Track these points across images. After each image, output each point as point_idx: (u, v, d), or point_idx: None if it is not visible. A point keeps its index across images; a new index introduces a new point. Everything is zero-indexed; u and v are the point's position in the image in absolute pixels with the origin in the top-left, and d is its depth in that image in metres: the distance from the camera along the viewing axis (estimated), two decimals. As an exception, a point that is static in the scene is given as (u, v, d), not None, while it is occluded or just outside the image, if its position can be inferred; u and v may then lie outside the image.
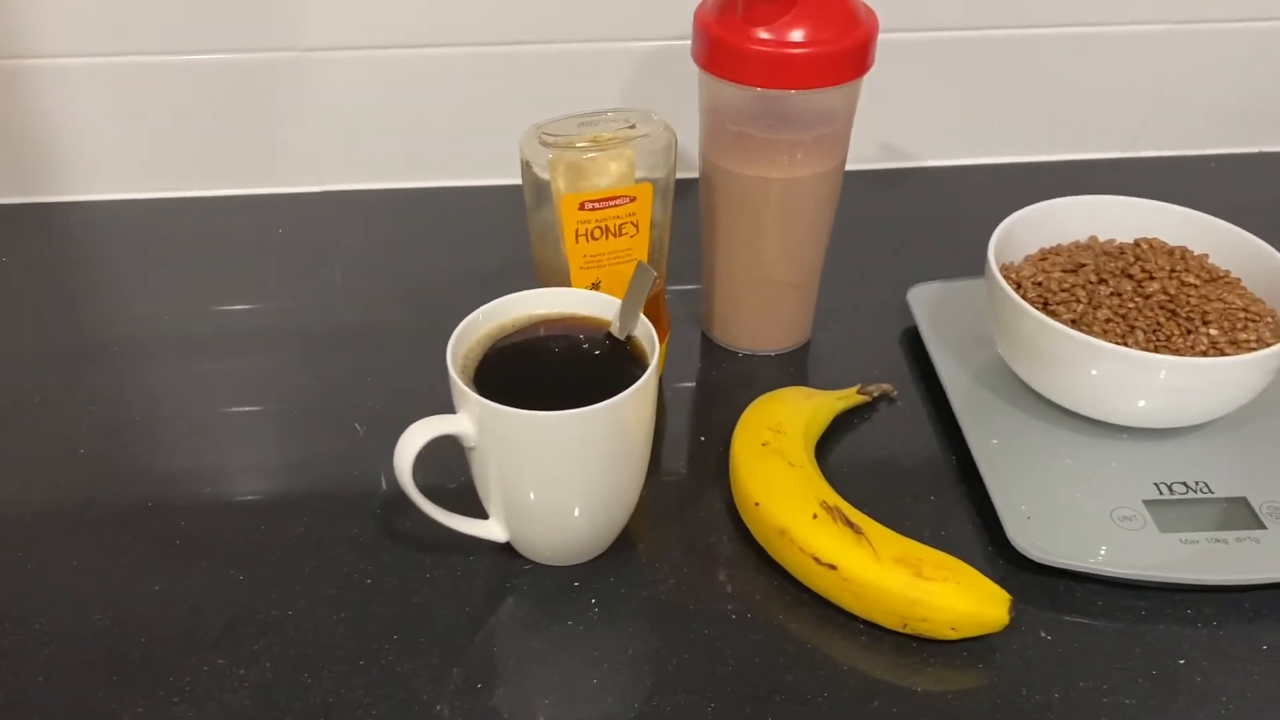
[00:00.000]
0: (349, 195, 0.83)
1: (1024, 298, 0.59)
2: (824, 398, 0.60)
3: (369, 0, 0.75)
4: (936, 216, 0.81)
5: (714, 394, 0.65)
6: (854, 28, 0.57)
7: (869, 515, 0.52)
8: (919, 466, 0.59)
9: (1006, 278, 0.61)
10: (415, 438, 0.47)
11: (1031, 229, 0.63)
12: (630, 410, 0.48)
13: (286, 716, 0.47)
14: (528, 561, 0.54)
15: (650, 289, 0.51)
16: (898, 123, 0.85)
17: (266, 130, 0.80)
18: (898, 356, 0.67)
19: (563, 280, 0.58)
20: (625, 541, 0.55)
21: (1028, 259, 0.63)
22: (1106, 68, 0.83)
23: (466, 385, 0.48)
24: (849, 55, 0.56)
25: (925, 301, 0.68)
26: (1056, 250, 0.63)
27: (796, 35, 0.56)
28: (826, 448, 0.60)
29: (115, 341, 0.68)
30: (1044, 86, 0.84)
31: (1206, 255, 0.61)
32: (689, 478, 0.59)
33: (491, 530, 0.52)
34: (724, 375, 0.67)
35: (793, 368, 0.67)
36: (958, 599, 0.48)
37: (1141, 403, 0.55)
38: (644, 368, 0.49)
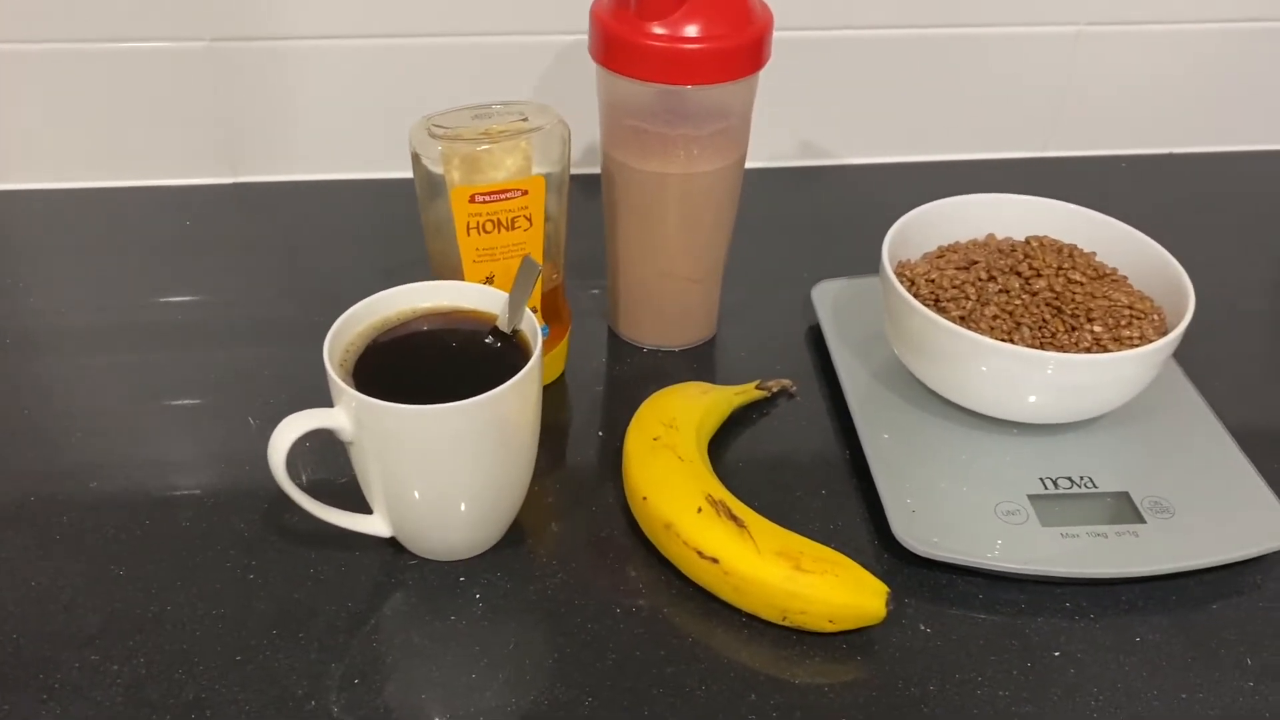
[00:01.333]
0: (256, 187, 0.82)
1: (916, 294, 0.59)
2: (720, 393, 0.60)
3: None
4: (848, 214, 0.82)
5: (616, 389, 0.65)
6: (748, 24, 0.57)
7: (760, 509, 0.53)
8: (813, 461, 0.60)
9: (902, 275, 0.61)
10: (288, 432, 0.47)
11: (930, 227, 0.64)
12: (511, 404, 0.48)
13: (157, 713, 0.46)
14: (414, 557, 0.53)
15: (536, 282, 0.50)
16: (812, 120, 0.86)
17: (174, 121, 0.79)
18: (802, 353, 0.68)
19: (459, 274, 0.57)
20: (515, 536, 0.55)
21: (925, 256, 0.64)
22: (1019, 68, 0.84)
23: (344, 379, 0.48)
24: (743, 51, 0.57)
25: (829, 298, 0.69)
26: (954, 248, 0.64)
27: (691, 30, 0.56)
28: (724, 442, 0.61)
29: (6, 335, 0.67)
30: (959, 86, 0.85)
31: (1095, 253, 0.62)
32: (584, 473, 0.59)
33: (375, 525, 0.52)
34: (628, 370, 0.67)
35: (696, 363, 0.67)
36: (835, 591, 0.49)
37: (1029, 398, 0.56)
38: (528, 361, 0.49)
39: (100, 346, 0.66)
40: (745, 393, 0.62)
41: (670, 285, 0.65)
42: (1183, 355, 0.63)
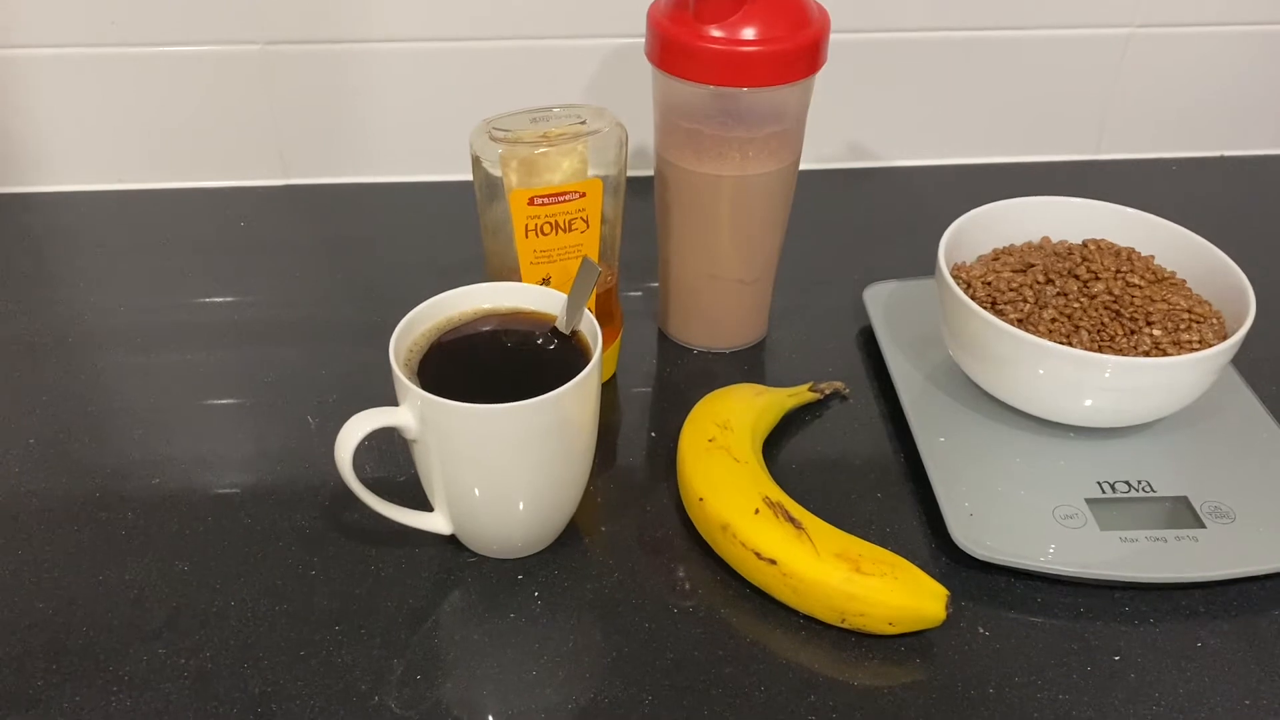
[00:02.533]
0: (312, 189, 0.83)
1: (973, 297, 0.59)
2: (774, 395, 0.60)
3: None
4: (899, 216, 0.82)
5: (668, 391, 0.66)
6: (804, 27, 0.57)
7: (815, 512, 0.53)
8: (868, 463, 0.60)
9: (957, 277, 0.61)
10: (356, 430, 0.47)
11: (984, 229, 0.64)
12: (571, 404, 0.48)
13: (224, 706, 0.47)
14: (473, 554, 0.54)
15: (595, 284, 0.51)
16: (864, 122, 0.86)
17: (229, 124, 0.80)
18: (853, 355, 0.68)
19: (514, 275, 0.58)
20: (572, 535, 0.55)
21: (980, 259, 0.63)
22: (1070, 70, 0.84)
23: (409, 379, 0.48)
24: (799, 54, 0.57)
25: (881, 300, 0.69)
26: (1009, 251, 0.63)
27: (748, 33, 0.56)
28: (777, 444, 0.61)
29: (69, 333, 0.68)
30: (1009, 88, 0.85)
31: (1153, 256, 0.61)
32: (638, 473, 0.59)
33: (436, 523, 0.52)
34: (678, 372, 0.67)
35: (747, 365, 0.67)
36: (895, 594, 0.49)
37: (1086, 402, 0.55)
38: (587, 362, 0.49)
39: (159, 345, 0.68)
40: (798, 395, 0.62)
41: (722, 287, 0.65)
42: (1239, 359, 0.63)
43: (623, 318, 0.65)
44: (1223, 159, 0.89)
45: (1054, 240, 0.64)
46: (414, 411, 0.47)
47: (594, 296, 0.60)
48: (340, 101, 0.80)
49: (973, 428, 0.59)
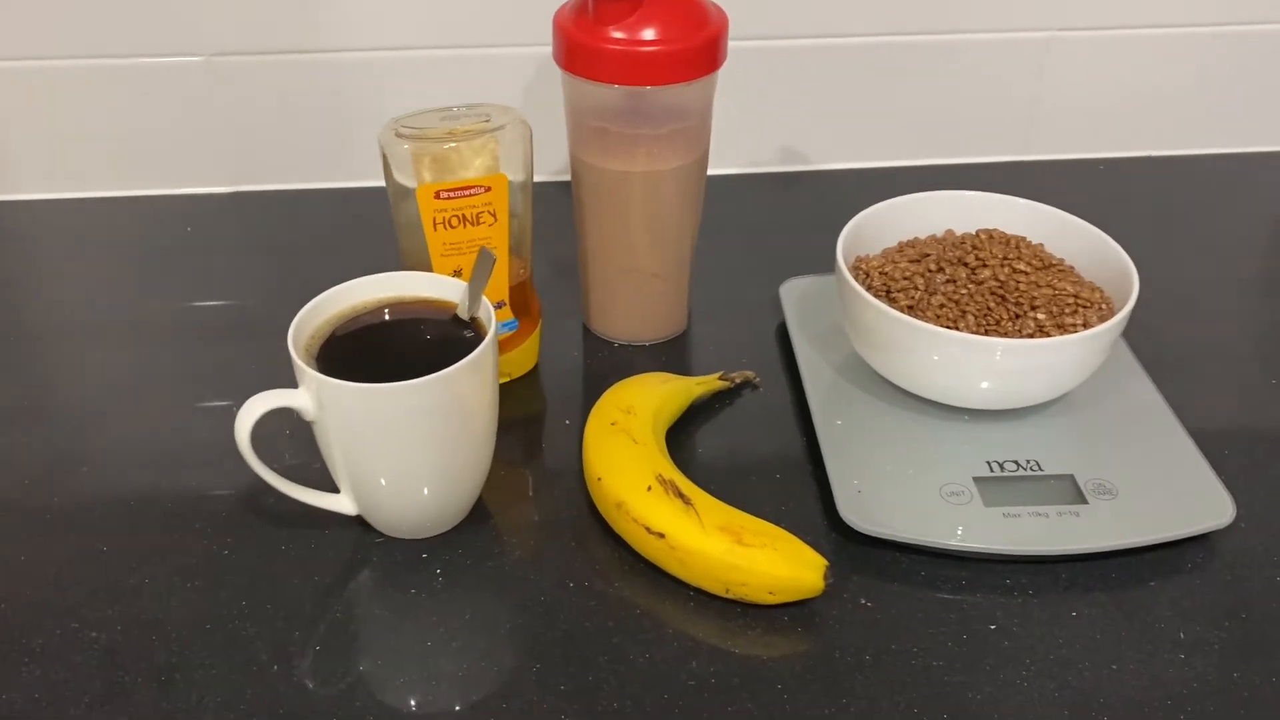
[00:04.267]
0: (258, 196, 0.86)
1: (869, 286, 0.62)
2: (681, 382, 0.63)
3: (278, 5, 0.78)
4: (823, 216, 0.82)
5: (587, 382, 0.68)
6: (702, 27, 0.59)
7: (715, 491, 0.55)
8: (771, 448, 0.62)
9: (859, 269, 0.63)
10: (253, 410, 0.50)
11: (889, 223, 0.66)
12: (464, 384, 0.50)
13: (130, 676, 0.49)
14: (381, 535, 0.56)
15: (490, 271, 0.53)
16: (795, 127, 0.88)
17: (177, 133, 0.83)
18: (770, 347, 0.70)
19: (428, 269, 0.60)
20: (480, 516, 0.57)
21: (885, 251, 0.66)
22: (996, 73, 0.86)
23: (307, 363, 0.50)
24: (697, 53, 0.59)
25: (795, 295, 0.71)
26: (913, 243, 0.66)
27: (648, 34, 0.58)
28: (686, 430, 0.63)
29: (10, 331, 0.71)
30: (938, 92, 0.87)
31: (1043, 245, 0.64)
32: (550, 458, 0.62)
33: (341, 504, 0.54)
34: (599, 364, 0.69)
35: (665, 357, 0.69)
36: (774, 565, 0.51)
37: (975, 384, 0.58)
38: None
39: (94, 342, 0.70)
40: (706, 383, 0.64)
41: (637, 281, 0.67)
42: (1142, 347, 0.65)
43: (540, 309, 0.67)
44: (1149, 159, 0.91)
45: (957, 233, 0.66)
46: (310, 393, 0.50)
47: (507, 288, 0.62)
48: (281, 110, 0.82)
49: (871, 412, 0.61)
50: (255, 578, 0.54)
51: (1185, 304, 0.73)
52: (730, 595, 0.52)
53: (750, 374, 0.66)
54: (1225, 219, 0.84)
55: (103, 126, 0.82)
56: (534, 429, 0.64)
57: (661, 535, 0.52)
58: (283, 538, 0.56)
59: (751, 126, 0.87)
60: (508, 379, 0.66)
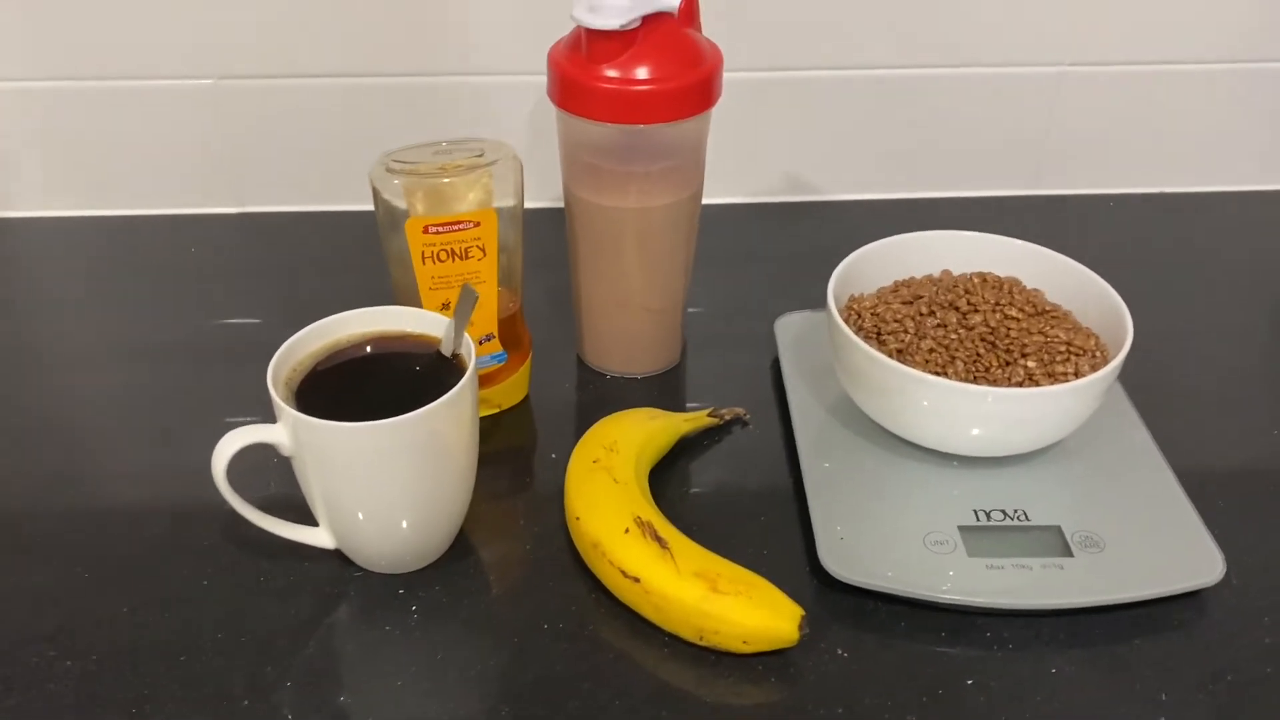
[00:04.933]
0: (264, 217, 0.86)
1: (861, 327, 0.61)
2: (669, 419, 0.62)
3: (275, 31, 0.79)
4: (828, 249, 0.82)
5: (578, 414, 0.68)
6: (696, 65, 0.59)
7: (698, 533, 0.54)
8: (758, 488, 0.61)
9: (851, 308, 0.63)
10: (229, 445, 0.50)
11: (886, 262, 0.66)
12: (441, 421, 0.50)
13: (103, 706, 0.49)
14: (360, 569, 0.56)
15: (472, 309, 0.53)
16: (800, 157, 0.88)
17: (180, 153, 0.84)
18: (765, 383, 0.69)
19: (417, 301, 0.60)
20: (461, 550, 0.57)
21: (880, 291, 0.65)
22: (1007, 107, 0.86)
23: (288, 398, 0.51)
24: (690, 91, 0.59)
25: (791, 330, 0.70)
26: (909, 283, 0.65)
27: (641, 73, 0.58)
28: (673, 467, 0.62)
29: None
30: (949, 124, 0.86)
31: (1042, 290, 0.63)
32: (534, 494, 0.61)
33: (319, 537, 0.54)
34: (590, 397, 0.69)
35: (657, 390, 0.69)
36: (748, 613, 0.50)
37: (963, 431, 0.57)
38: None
39: (85, 365, 0.71)
40: (695, 420, 0.64)
41: (630, 315, 0.67)
42: (1140, 393, 0.64)
43: (531, 341, 0.67)
44: (1162, 195, 0.90)
45: (955, 273, 0.66)
46: (287, 429, 0.50)
47: (496, 321, 0.62)
48: (286, 133, 0.83)
49: (859, 455, 0.61)
50: (232, 609, 0.54)
51: (1190, 347, 0.72)
52: (704, 643, 0.51)
53: (740, 411, 0.65)
54: (1240, 258, 0.82)
55: (114, 147, 0.83)
56: (522, 461, 0.64)
57: (637, 579, 0.52)
58: (263, 569, 0.56)
59: (758, 157, 0.87)
60: (497, 410, 0.66)
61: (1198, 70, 0.84)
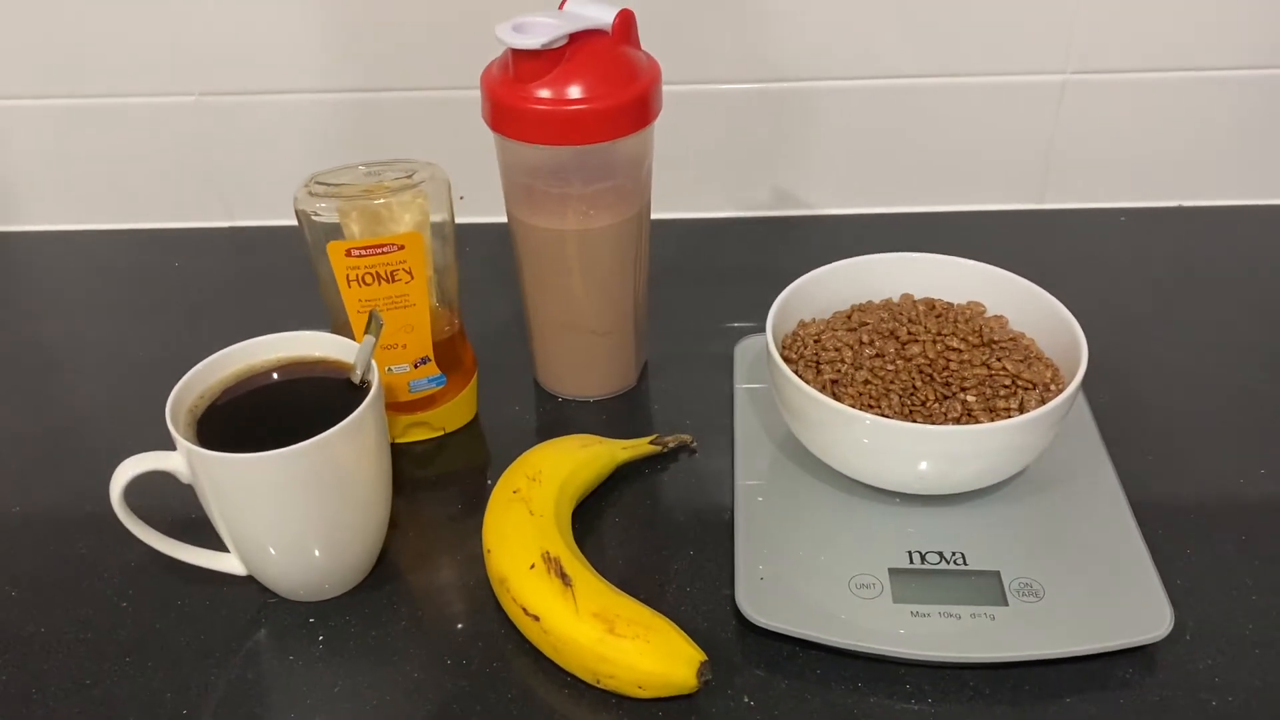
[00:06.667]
0: (251, 231, 0.87)
1: (801, 354, 0.58)
2: (605, 446, 0.60)
3: (265, 47, 0.79)
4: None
5: (524, 438, 0.66)
6: (630, 82, 0.57)
7: (623, 566, 0.53)
8: (692, 520, 0.59)
9: (798, 335, 0.60)
10: (125, 471, 0.50)
11: (844, 285, 0.63)
12: (340, 448, 0.50)
13: (-1, 730, 0.50)
14: (275, 595, 0.55)
15: (378, 335, 0.52)
16: (798, 171, 0.85)
17: (165, 168, 0.85)
18: (724, 409, 0.67)
19: (346, 324, 0.60)
20: (381, 578, 0.57)
21: (834, 316, 0.62)
22: (1008, 117, 0.82)
23: (190, 425, 0.50)
24: (623, 110, 0.57)
25: (750, 355, 0.68)
26: (864, 308, 0.62)
27: (572, 92, 0.57)
28: (608, 497, 0.61)
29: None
30: (948, 135, 0.83)
31: (1005, 317, 0.59)
32: (464, 521, 0.60)
33: (230, 564, 0.54)
34: (542, 420, 0.67)
35: (606, 415, 0.67)
36: (643, 658, 0.48)
37: (895, 468, 0.54)
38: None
39: (45, 376, 0.72)
40: (635, 448, 0.62)
41: (578, 338, 0.65)
42: (1117, 426, 0.61)
43: (476, 361, 0.66)
44: (1177, 210, 0.85)
45: (916, 297, 0.62)
46: (183, 458, 0.50)
47: (431, 344, 0.61)
48: (266, 146, 0.83)
49: (797, 490, 0.58)
50: (145, 633, 0.54)
51: (1185, 374, 0.68)
52: (601, 686, 0.49)
53: (686, 438, 0.63)
54: (1262, 279, 0.77)
55: (98, 162, 0.85)
56: (463, 486, 0.63)
57: (537, 618, 0.50)
58: (182, 593, 0.56)
59: (750, 169, 0.84)
60: (441, 433, 0.65)
61: (1212, 77, 0.79)
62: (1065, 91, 0.80)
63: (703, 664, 0.48)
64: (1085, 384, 0.62)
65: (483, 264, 0.77)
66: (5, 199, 0.87)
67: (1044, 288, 0.59)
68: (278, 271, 0.83)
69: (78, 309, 0.79)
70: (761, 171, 0.85)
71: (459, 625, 0.54)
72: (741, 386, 0.65)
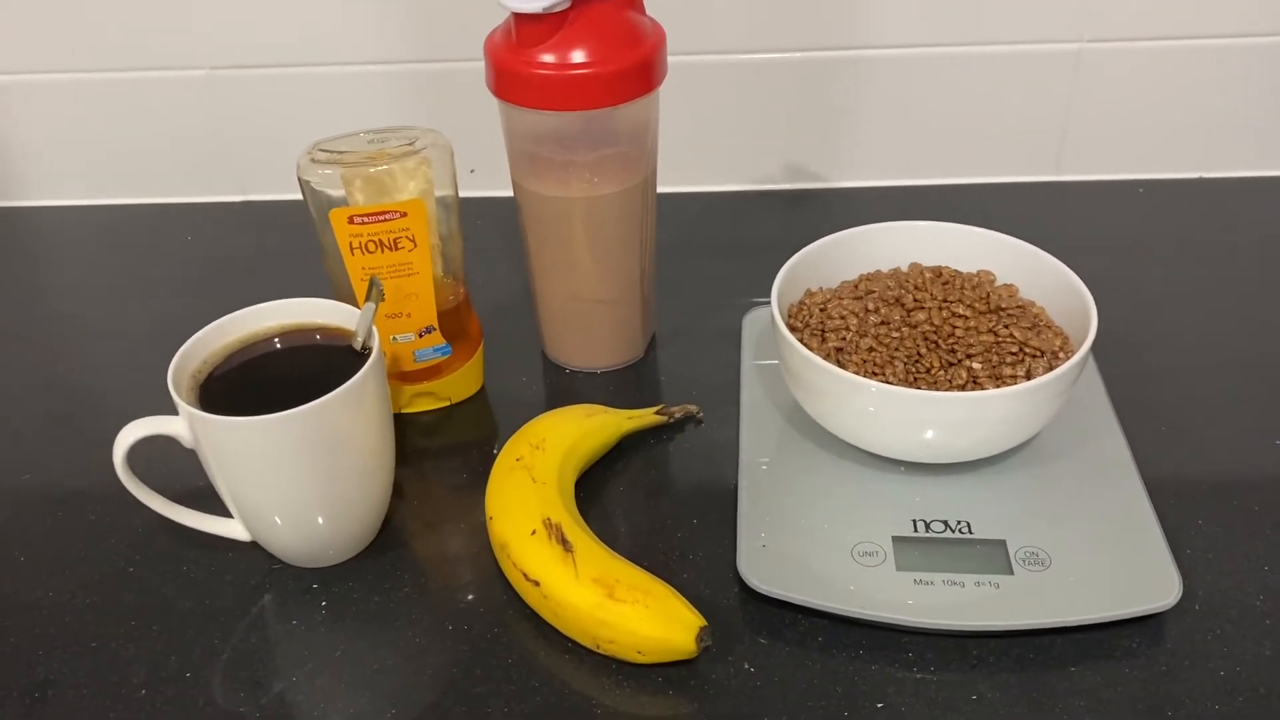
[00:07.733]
0: (265, 205, 0.87)
1: (807, 323, 0.58)
2: (609, 415, 0.60)
3: (276, 21, 0.79)
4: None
5: (531, 409, 0.65)
6: (634, 46, 0.57)
7: (627, 534, 0.53)
8: (697, 488, 0.59)
9: (805, 304, 0.60)
10: (128, 435, 0.50)
11: (852, 255, 0.62)
12: (339, 414, 0.50)
13: (5, 691, 0.50)
14: (279, 561, 0.56)
15: (379, 301, 0.52)
16: (810, 143, 0.84)
17: (181, 143, 0.85)
18: (732, 380, 0.67)
19: (350, 292, 0.60)
20: (387, 543, 0.57)
21: (841, 285, 0.62)
22: (1022, 88, 0.80)
23: (193, 390, 0.51)
24: (626, 75, 0.57)
25: (758, 326, 0.67)
26: (872, 277, 0.61)
27: (575, 56, 0.56)
28: (614, 465, 0.60)
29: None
30: (962, 106, 0.82)
31: (1015, 285, 0.58)
32: (469, 490, 0.60)
33: (234, 529, 0.54)
34: (546, 390, 0.67)
35: (614, 385, 0.67)
36: (643, 623, 0.48)
37: (900, 436, 0.53)
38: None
39: (66, 348, 0.73)
40: (641, 417, 0.61)
41: (584, 308, 0.65)
42: (1130, 396, 0.60)
43: (482, 331, 0.66)
44: (1197, 181, 0.83)
45: (925, 265, 0.62)
46: (185, 422, 0.50)
47: (436, 314, 0.61)
48: (280, 120, 0.83)
49: (802, 459, 0.57)
50: (151, 597, 0.54)
51: (1201, 346, 0.66)
52: (601, 651, 0.49)
53: (692, 408, 0.63)
54: (1278, 249, 0.76)
55: (112, 136, 0.85)
56: (468, 456, 0.63)
57: (537, 583, 0.50)
58: (188, 558, 0.56)
59: (761, 142, 0.84)
60: (447, 404, 0.65)
61: (1233, 44, 0.78)
62: (1081, 60, 0.79)
63: (702, 629, 0.48)
64: (1099, 355, 0.61)
65: (494, 237, 0.77)
66: (18, 174, 0.87)
67: (1060, 260, 0.58)
68: (290, 245, 0.83)
69: (90, 283, 0.80)
70: (773, 144, 0.84)
71: (461, 592, 0.54)
72: (750, 356, 0.65)
